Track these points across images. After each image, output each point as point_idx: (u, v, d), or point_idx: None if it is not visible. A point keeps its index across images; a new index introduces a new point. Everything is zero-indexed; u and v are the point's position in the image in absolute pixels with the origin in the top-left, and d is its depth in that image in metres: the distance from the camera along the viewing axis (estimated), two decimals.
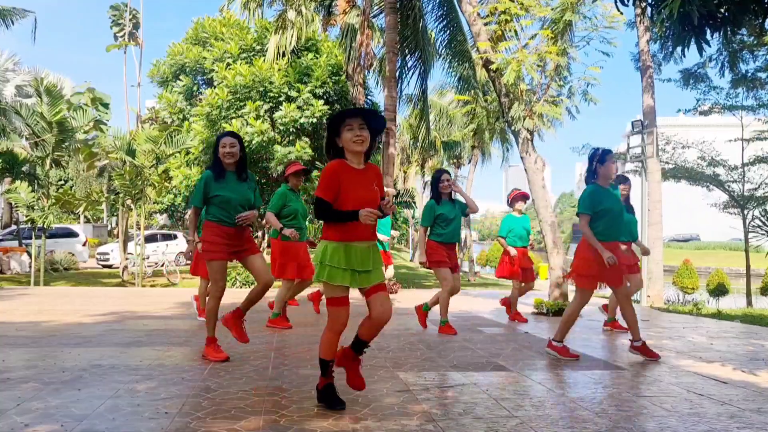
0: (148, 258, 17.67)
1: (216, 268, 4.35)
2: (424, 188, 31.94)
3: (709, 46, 4.34)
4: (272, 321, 6.18)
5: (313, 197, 4.30)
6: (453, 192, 6.11)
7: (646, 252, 6.90)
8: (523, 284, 7.29)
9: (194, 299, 7.10)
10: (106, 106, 30.34)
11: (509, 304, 7.39)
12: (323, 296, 6.28)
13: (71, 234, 22.15)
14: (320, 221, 5.29)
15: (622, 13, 7.71)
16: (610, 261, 4.56)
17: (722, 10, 3.98)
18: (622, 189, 6.31)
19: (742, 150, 16.57)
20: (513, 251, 7.13)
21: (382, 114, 3.13)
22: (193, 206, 4.50)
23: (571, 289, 12.21)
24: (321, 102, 15.73)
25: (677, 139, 17.17)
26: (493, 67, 8.72)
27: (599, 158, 4.80)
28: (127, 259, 17.46)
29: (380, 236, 6.86)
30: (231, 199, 4.30)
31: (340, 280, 3.07)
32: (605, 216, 4.72)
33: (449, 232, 6.08)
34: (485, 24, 9.10)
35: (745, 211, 15.89)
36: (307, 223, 6.32)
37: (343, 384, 3.30)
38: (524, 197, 7.36)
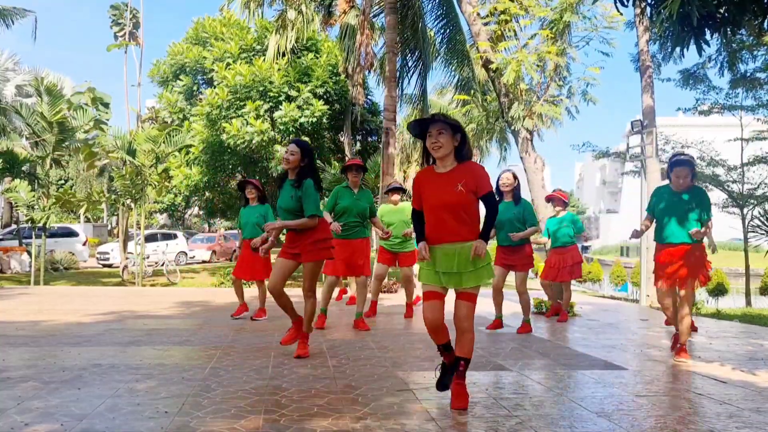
0: (148, 257, 17.67)
1: (275, 263, 4.67)
2: None
3: (709, 46, 4.35)
4: (357, 321, 6.21)
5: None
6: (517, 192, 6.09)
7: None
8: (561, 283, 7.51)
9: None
10: (106, 105, 30.25)
11: (560, 308, 7.42)
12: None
13: (71, 233, 22.14)
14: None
15: (621, 14, 7.73)
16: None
17: (722, 11, 3.99)
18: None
19: (742, 150, 16.55)
20: (543, 240, 7.38)
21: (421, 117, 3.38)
22: None
23: (572, 288, 12.21)
24: (321, 102, 15.75)
25: (677, 139, 17.16)
26: (493, 66, 8.73)
27: (669, 165, 4.96)
28: (127, 258, 17.47)
29: (407, 231, 6.92)
30: (279, 206, 4.64)
31: (424, 279, 3.37)
32: (657, 219, 4.97)
33: (499, 236, 6.12)
34: (485, 24, 9.12)
35: (745, 211, 15.88)
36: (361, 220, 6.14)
37: (342, 383, 3.30)
38: (560, 200, 7.32)
